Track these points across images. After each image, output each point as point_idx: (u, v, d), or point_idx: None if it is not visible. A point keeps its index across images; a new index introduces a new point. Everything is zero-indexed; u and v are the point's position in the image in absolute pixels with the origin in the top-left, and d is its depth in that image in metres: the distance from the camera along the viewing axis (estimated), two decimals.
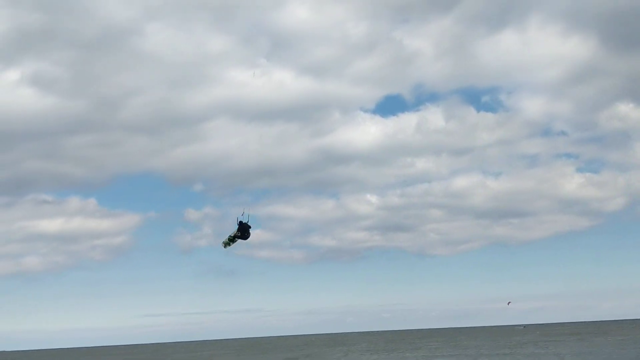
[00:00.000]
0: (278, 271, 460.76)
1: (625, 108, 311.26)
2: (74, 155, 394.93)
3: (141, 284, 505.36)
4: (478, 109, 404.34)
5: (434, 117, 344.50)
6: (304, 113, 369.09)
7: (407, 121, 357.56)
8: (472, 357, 63.81)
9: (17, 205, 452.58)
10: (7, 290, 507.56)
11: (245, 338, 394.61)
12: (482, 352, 73.32)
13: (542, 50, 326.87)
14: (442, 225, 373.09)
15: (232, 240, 40.00)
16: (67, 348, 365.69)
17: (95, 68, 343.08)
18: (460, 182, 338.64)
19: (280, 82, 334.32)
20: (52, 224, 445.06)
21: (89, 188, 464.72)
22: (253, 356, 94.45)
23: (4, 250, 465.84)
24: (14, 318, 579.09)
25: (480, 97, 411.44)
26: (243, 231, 39.67)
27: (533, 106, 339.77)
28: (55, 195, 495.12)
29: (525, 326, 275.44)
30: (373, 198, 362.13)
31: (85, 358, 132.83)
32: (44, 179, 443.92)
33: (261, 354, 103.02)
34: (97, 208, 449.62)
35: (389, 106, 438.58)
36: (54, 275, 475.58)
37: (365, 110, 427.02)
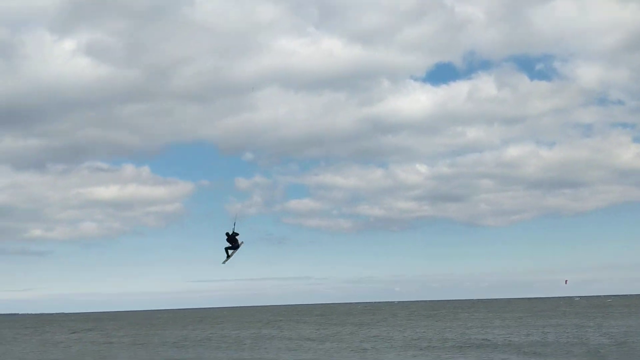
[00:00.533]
0: (326, 240, 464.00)
1: None
2: (128, 124, 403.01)
3: (193, 251, 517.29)
4: (531, 77, 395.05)
5: (485, 85, 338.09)
6: (353, 82, 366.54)
7: (458, 89, 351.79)
8: (514, 327, 63.22)
9: (74, 172, 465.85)
10: (66, 255, 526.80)
11: (294, 305, 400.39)
12: (528, 322, 72.53)
13: (599, 16, 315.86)
14: (493, 195, 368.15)
15: (228, 255, 39.52)
16: (123, 311, 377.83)
17: (147, 37, 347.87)
18: (512, 152, 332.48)
19: (328, 50, 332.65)
20: (107, 191, 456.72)
21: (142, 156, 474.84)
22: (307, 321, 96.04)
23: (62, 216, 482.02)
24: (73, 281, 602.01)
25: (534, 65, 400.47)
26: (232, 241, 39.18)
27: (588, 74, 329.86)
28: (110, 162, 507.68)
29: (579, 298, 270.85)
30: (422, 168, 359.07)
31: (139, 321, 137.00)
32: (99, 146, 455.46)
33: (314, 317, 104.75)
34: (150, 176, 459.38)
35: (440, 74, 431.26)
36: (110, 241, 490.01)
37: (416, 79, 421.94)
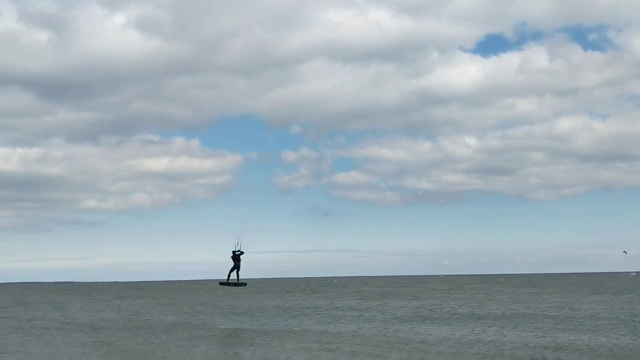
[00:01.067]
0: (373, 213, 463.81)
1: None
2: (177, 97, 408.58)
3: (242, 222, 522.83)
4: (585, 48, 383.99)
5: (537, 56, 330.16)
6: (401, 53, 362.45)
7: (508, 61, 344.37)
8: (555, 301, 62.10)
9: (126, 145, 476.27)
10: (119, 225, 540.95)
11: (341, 277, 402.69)
12: (576, 297, 71.17)
13: None
14: (544, 168, 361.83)
15: (228, 281, 39.13)
16: (173, 280, 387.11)
17: (196, 11, 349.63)
18: (564, 124, 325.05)
19: (376, 22, 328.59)
20: (158, 163, 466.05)
21: (192, 129, 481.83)
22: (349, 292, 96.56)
23: (115, 187, 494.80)
24: (126, 251, 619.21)
25: (587, 35, 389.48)
26: (236, 260, 38.89)
27: None
28: (161, 135, 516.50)
29: (637, 273, 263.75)
30: (472, 140, 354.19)
31: (189, 290, 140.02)
32: (150, 119, 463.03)
33: (357, 287, 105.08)
34: (200, 148, 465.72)
35: (490, 45, 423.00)
36: (161, 212, 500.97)
37: (465, 50, 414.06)
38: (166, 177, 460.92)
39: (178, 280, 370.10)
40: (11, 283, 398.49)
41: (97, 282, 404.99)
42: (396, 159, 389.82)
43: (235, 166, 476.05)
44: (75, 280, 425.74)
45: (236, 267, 38.78)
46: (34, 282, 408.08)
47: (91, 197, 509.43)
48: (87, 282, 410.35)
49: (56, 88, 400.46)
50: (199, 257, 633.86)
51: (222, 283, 39.73)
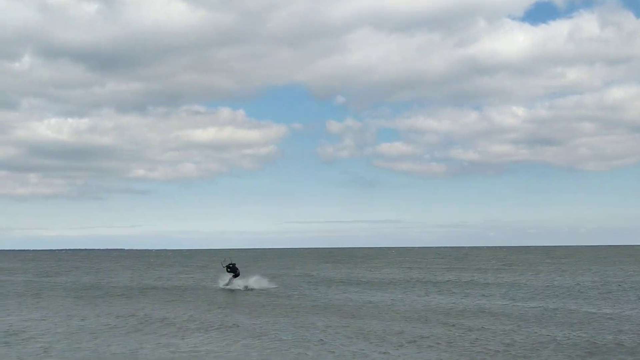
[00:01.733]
0: (418, 184, 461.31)
1: None
2: (224, 68, 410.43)
3: (287, 192, 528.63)
4: (638, 15, 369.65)
5: (588, 24, 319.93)
6: (447, 22, 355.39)
7: (558, 29, 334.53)
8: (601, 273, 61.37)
9: (173, 115, 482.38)
10: (167, 194, 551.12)
11: (385, 247, 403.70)
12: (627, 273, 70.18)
13: None
14: (594, 139, 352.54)
15: (228, 282, 43.80)
16: (220, 249, 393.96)
17: None
18: (616, 94, 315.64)
19: None
20: (205, 134, 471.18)
21: (237, 99, 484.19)
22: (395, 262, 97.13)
23: (163, 157, 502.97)
24: (174, 220, 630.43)
25: None
26: (234, 270, 43.93)
27: None
28: (207, 106, 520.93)
29: None
30: (519, 110, 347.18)
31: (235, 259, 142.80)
32: (197, 90, 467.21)
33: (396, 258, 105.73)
34: (245, 119, 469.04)
35: (539, 13, 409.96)
36: (207, 182, 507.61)
37: (513, 18, 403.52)
38: (213, 148, 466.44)
39: (225, 249, 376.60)
40: (63, 250, 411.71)
41: (147, 250, 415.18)
42: (442, 130, 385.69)
43: (280, 137, 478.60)
44: (125, 248, 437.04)
45: (237, 275, 43.56)
46: (85, 249, 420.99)
47: (140, 167, 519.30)
48: (135, 250, 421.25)
49: (105, 59, 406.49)
50: (244, 226, 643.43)
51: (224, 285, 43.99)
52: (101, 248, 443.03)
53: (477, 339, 21.74)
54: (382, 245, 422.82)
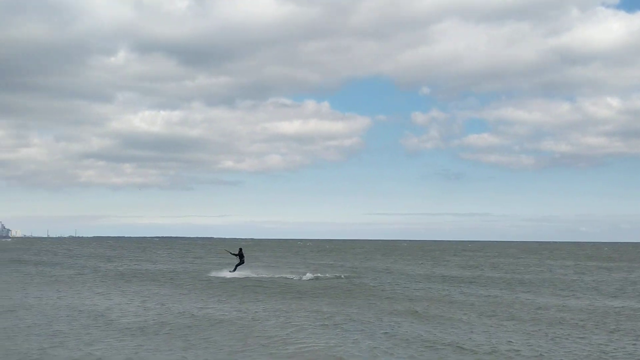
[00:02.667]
0: (506, 176, 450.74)
1: None
2: (309, 61, 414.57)
3: (370, 184, 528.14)
4: None
5: None
6: (538, 11, 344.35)
7: None
8: None
9: (260, 108, 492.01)
10: (254, 185, 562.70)
11: (472, 241, 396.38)
12: None
13: None
14: None
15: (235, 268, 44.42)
16: (304, 239, 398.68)
17: None
18: None
19: None
20: (290, 126, 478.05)
21: (322, 92, 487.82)
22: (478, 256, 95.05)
23: (251, 149, 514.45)
24: (260, 210, 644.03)
25: None
26: (241, 257, 44.64)
27: None
28: (293, 98, 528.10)
29: None
30: (614, 101, 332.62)
31: (320, 249, 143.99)
32: (283, 83, 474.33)
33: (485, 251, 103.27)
34: (330, 111, 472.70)
35: (636, 0, 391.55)
36: (293, 173, 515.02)
37: (607, 6, 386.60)
38: (298, 140, 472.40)
39: (308, 239, 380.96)
40: (155, 237, 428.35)
41: (235, 239, 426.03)
42: (531, 121, 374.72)
43: (364, 128, 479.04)
44: (215, 236, 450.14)
45: (242, 262, 44.64)
46: (177, 237, 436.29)
47: (229, 158, 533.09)
48: (224, 238, 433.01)
49: (195, 54, 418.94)
50: (328, 217, 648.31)
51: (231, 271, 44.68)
52: (191, 236, 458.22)
53: None
54: (468, 239, 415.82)
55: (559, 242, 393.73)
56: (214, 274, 46.10)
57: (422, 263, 72.63)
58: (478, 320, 23.73)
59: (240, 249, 45.83)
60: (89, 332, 20.29)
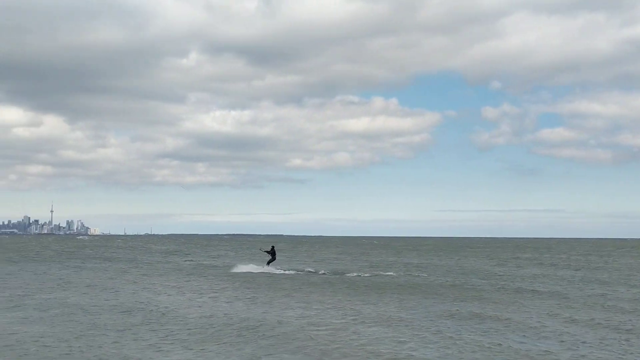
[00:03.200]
0: (582, 171, 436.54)
1: None
2: (376, 57, 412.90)
3: (440, 180, 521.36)
4: None
5: None
6: (612, 1, 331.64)
7: None
8: None
9: (328, 106, 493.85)
10: (322, 182, 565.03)
11: (546, 238, 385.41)
12: None
13: None
14: None
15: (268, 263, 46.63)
16: (372, 236, 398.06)
17: None
18: None
19: None
20: (358, 123, 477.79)
21: (390, 88, 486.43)
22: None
23: (319, 146, 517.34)
24: (329, 207, 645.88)
25: None
26: (272, 255, 46.73)
27: None
28: (360, 95, 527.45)
29: None
30: None
31: (390, 246, 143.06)
32: (350, 80, 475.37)
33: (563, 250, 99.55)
34: (398, 107, 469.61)
35: None
36: (361, 170, 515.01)
37: None
38: (366, 137, 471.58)
39: (378, 237, 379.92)
40: (226, 235, 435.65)
41: (305, 236, 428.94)
42: (608, 114, 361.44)
43: (433, 124, 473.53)
44: (284, 234, 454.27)
45: (274, 259, 46.68)
46: (246, 234, 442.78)
47: (297, 156, 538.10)
48: (292, 236, 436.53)
49: (264, 53, 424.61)
50: (397, 214, 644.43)
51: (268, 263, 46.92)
52: (261, 234, 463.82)
53: None
54: (543, 236, 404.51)
55: (637, 239, 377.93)
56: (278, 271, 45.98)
57: (497, 261, 71.02)
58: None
59: (273, 247, 47.71)
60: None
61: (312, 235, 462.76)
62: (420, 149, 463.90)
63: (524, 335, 19.53)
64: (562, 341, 18.66)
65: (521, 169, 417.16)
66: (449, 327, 20.87)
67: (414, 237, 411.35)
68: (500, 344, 17.98)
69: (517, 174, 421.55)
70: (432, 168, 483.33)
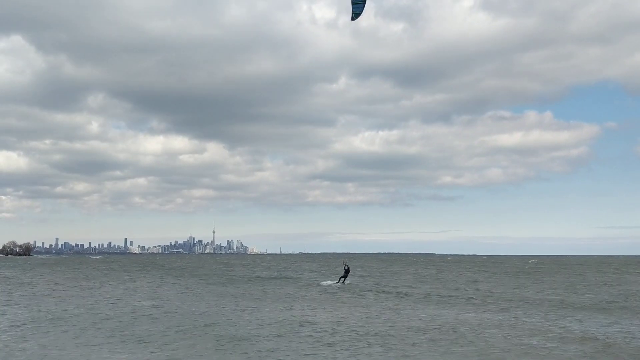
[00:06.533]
0: None
1: None
2: (527, 71, 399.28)
3: (602, 196, 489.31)
4: None
5: None
6: None
7: None
8: None
9: (478, 122, 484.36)
10: (473, 200, 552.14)
11: None
12: None
13: None
14: None
15: (342, 279, 53.58)
16: (528, 255, 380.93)
17: None
18: None
19: None
20: (510, 138, 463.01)
21: (543, 102, 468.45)
22: None
23: (469, 163, 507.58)
24: (481, 225, 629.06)
25: None
26: (347, 271, 53.86)
27: None
28: (512, 110, 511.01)
29: None
30: None
31: (544, 267, 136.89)
32: (501, 95, 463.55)
33: None
34: (553, 121, 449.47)
35: None
36: (514, 186, 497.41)
37: None
38: (519, 152, 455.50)
39: (535, 255, 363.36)
40: (379, 253, 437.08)
41: (457, 255, 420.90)
42: None
43: (592, 137, 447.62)
44: (435, 252, 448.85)
45: (345, 276, 53.62)
46: (398, 253, 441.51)
47: (447, 174, 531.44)
48: (445, 254, 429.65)
49: (411, 74, 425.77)
50: (553, 232, 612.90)
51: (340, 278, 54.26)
52: (412, 252, 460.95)
53: None
54: None
55: None
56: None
57: None
58: None
59: (347, 265, 54.95)
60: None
61: (464, 254, 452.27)
62: (579, 163, 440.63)
63: None
64: None
65: None
66: None
67: (574, 255, 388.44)
68: None
69: None
70: (593, 182, 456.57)
